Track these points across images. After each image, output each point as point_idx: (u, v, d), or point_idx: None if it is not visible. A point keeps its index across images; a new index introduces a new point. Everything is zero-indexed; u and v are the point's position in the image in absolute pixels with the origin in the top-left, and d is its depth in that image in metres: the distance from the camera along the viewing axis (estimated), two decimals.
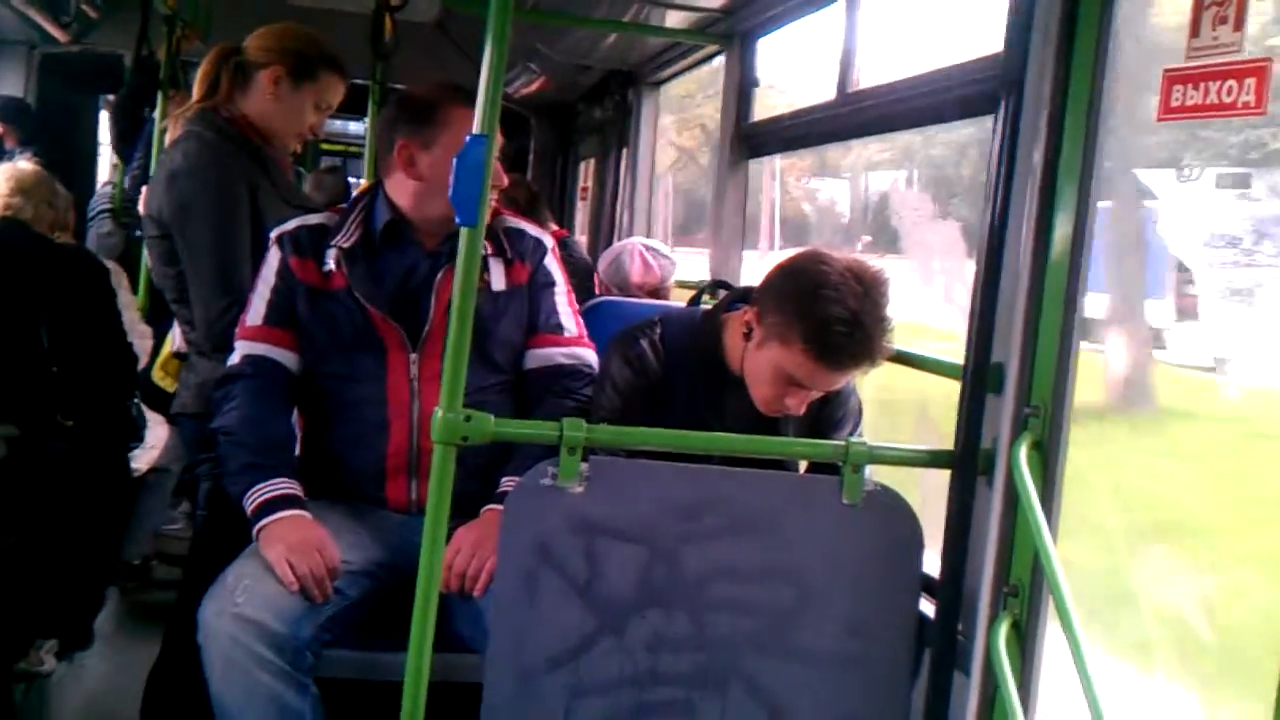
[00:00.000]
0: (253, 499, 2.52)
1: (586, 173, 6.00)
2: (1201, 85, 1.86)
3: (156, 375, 3.70)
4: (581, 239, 5.76)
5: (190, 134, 2.98)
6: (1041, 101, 2.10)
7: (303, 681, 2.37)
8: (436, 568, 2.06)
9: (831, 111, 3.29)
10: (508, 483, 2.55)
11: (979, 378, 2.16)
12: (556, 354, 2.73)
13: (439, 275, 2.62)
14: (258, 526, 2.49)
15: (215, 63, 3.07)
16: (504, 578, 2.21)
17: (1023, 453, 2.08)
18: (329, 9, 4.47)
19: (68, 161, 5.55)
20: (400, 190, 2.67)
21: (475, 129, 1.98)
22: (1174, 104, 1.91)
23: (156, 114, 4.55)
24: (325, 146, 10.47)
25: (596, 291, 4.10)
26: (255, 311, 2.67)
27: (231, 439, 2.60)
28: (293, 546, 2.43)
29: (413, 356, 2.60)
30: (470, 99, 2.66)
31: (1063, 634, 1.90)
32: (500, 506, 2.40)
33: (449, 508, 2.06)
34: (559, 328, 2.74)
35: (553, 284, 2.76)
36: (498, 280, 2.67)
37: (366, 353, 2.61)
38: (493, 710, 2.19)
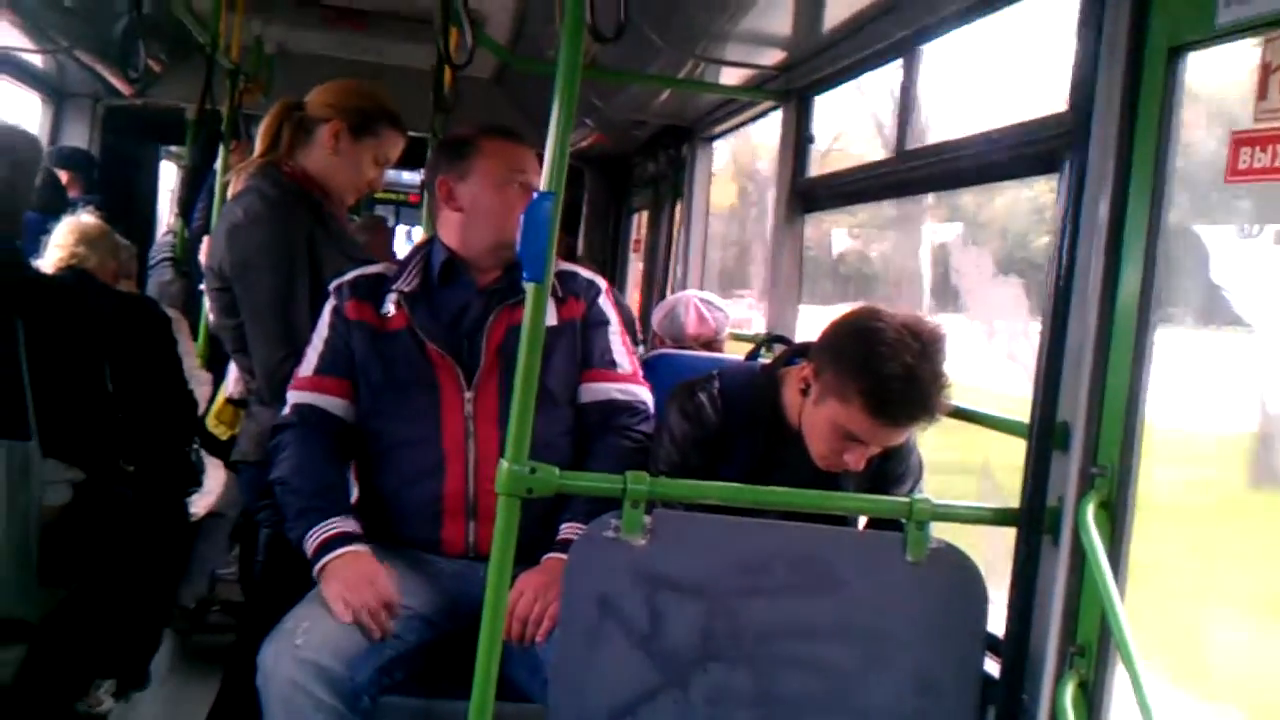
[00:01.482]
0: (312, 540, 2.54)
1: (639, 225, 6.04)
2: (1270, 148, 1.87)
3: (210, 423, 3.74)
4: (635, 292, 5.78)
5: (251, 189, 3.03)
6: (1107, 158, 2.10)
7: None
8: (500, 616, 2.07)
9: (890, 168, 3.30)
10: (568, 529, 2.56)
11: (1045, 435, 2.15)
12: (611, 389, 2.73)
13: (491, 317, 2.65)
14: (318, 566, 2.51)
15: (278, 117, 3.13)
16: (566, 628, 2.22)
17: (1090, 511, 2.07)
18: (389, 64, 4.55)
19: (129, 210, 5.68)
20: (447, 228, 2.73)
21: (543, 186, 2.01)
22: (1241, 166, 1.92)
23: (218, 165, 4.64)
24: (380, 196, 10.59)
25: (655, 344, 4.11)
26: (308, 363, 2.72)
27: (287, 487, 2.64)
28: (348, 582, 2.46)
29: (467, 395, 2.62)
30: (503, 133, 2.75)
31: (1132, 695, 1.88)
32: (562, 555, 2.42)
33: (513, 556, 2.07)
34: (613, 364, 2.75)
35: (607, 322, 2.77)
36: (550, 317, 2.68)
37: (421, 393, 2.64)
38: None
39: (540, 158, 2.25)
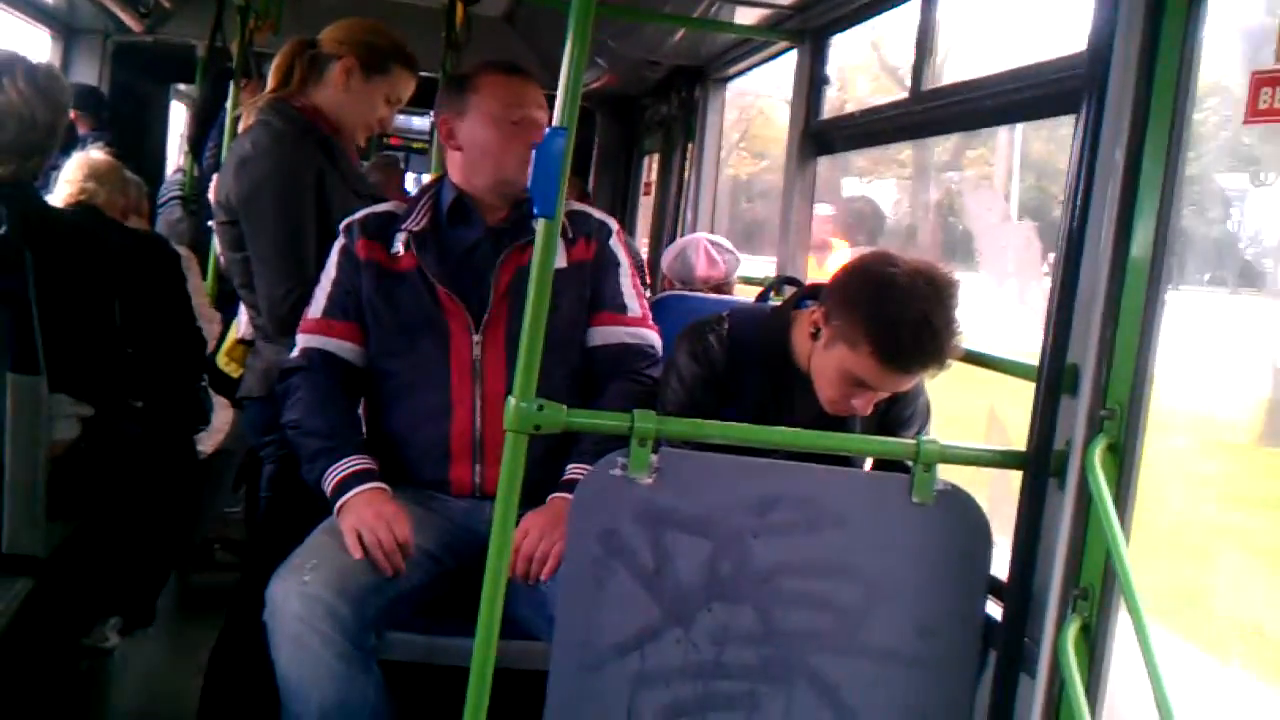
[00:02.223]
0: (329, 481, 2.56)
1: (650, 168, 6.01)
2: None
3: (221, 361, 3.75)
4: (644, 233, 5.76)
5: (261, 122, 3.02)
6: (1125, 100, 2.07)
7: (367, 662, 2.40)
8: (505, 554, 2.07)
9: (905, 109, 3.27)
10: (574, 469, 2.57)
11: (1054, 378, 2.14)
12: (621, 333, 2.73)
13: (500, 257, 2.64)
14: (337, 505, 2.53)
15: (290, 54, 3.11)
16: (572, 566, 2.22)
17: (1097, 455, 2.06)
18: (401, 1, 4.51)
19: (139, 149, 5.65)
20: (452, 167, 2.73)
21: (555, 121, 1.99)
22: (1261, 106, 1.89)
23: (229, 104, 4.62)
24: (390, 142, 10.55)
25: (664, 286, 4.11)
26: (316, 304, 2.72)
27: (299, 430, 2.65)
28: (363, 519, 2.47)
29: (475, 338, 2.62)
30: (501, 68, 2.73)
31: (1135, 637, 1.88)
32: (568, 495, 2.43)
33: (519, 494, 2.07)
34: (623, 307, 2.74)
35: (617, 264, 2.76)
36: (559, 258, 2.67)
37: (429, 335, 2.64)
38: (558, 695, 2.20)
39: (550, 97, 2.25)
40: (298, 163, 2.95)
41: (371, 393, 2.75)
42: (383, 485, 2.55)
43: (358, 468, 2.56)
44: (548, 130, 1.99)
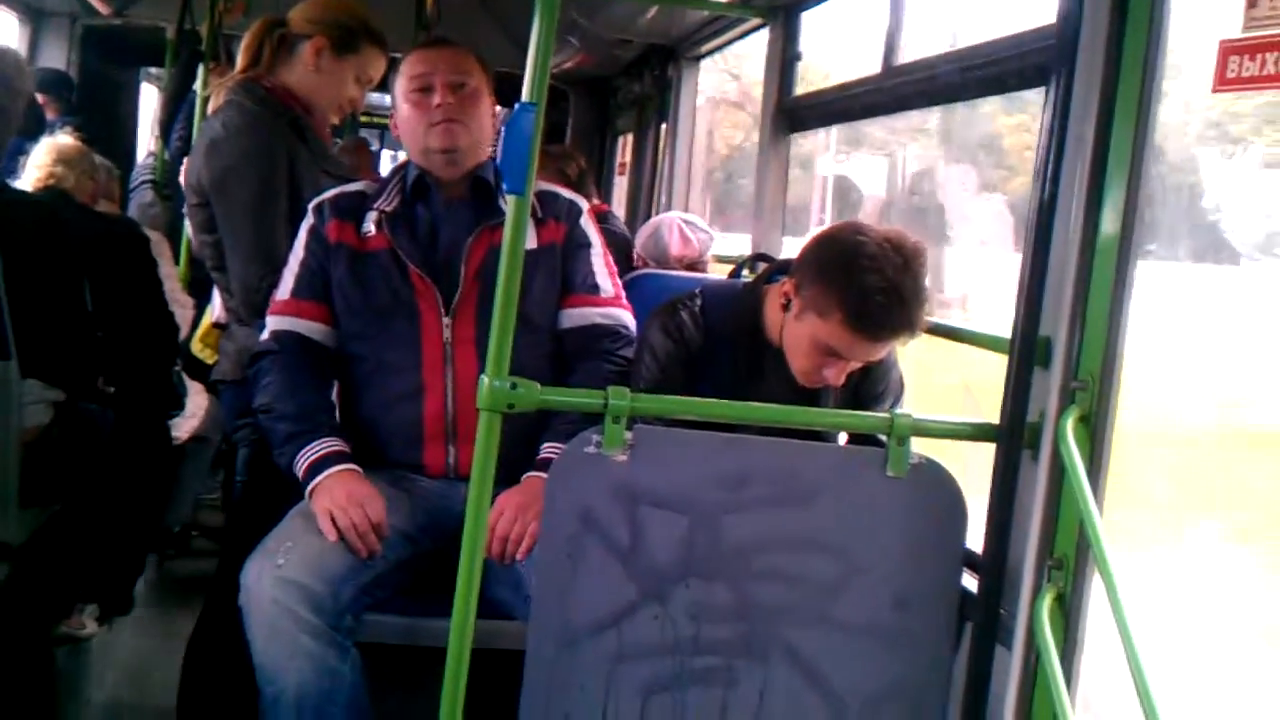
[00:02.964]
0: (301, 463, 2.55)
1: (624, 148, 6.00)
2: (1259, 56, 1.84)
3: (195, 347, 3.73)
4: (620, 213, 5.75)
5: (231, 103, 2.99)
6: (1094, 73, 2.08)
7: (343, 644, 2.39)
8: (481, 534, 2.07)
9: (876, 85, 3.26)
10: (548, 449, 2.56)
11: (1026, 351, 2.14)
12: (593, 314, 2.72)
13: (470, 239, 2.63)
14: (309, 488, 2.52)
15: (259, 34, 3.09)
16: (547, 544, 2.22)
17: (1069, 426, 2.07)
18: None
19: (109, 134, 5.60)
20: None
21: (525, 97, 1.98)
22: (1229, 75, 1.89)
23: (198, 85, 4.59)
24: (364, 119, 10.49)
25: (635, 265, 4.09)
26: (285, 285, 2.71)
27: (271, 414, 2.63)
28: (336, 501, 2.47)
29: (446, 320, 2.61)
30: (417, 47, 2.77)
31: (1109, 607, 1.89)
32: (542, 474, 2.43)
33: (494, 474, 2.07)
34: (595, 288, 2.73)
35: (588, 245, 2.75)
36: (529, 239, 2.66)
37: (400, 317, 2.63)
38: (535, 674, 2.20)
39: (520, 76, 2.25)
40: (270, 144, 2.93)
41: (343, 376, 2.73)
42: (355, 467, 2.54)
43: (329, 450, 2.55)
44: (516, 106, 1.98)
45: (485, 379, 2.03)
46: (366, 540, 2.44)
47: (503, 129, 2.01)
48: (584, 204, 2.80)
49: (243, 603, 2.39)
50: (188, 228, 3.80)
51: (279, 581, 2.36)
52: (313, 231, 2.69)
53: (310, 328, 2.67)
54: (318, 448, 2.55)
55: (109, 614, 3.33)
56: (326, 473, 2.52)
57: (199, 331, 3.74)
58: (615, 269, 2.81)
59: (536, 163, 2.02)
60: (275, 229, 2.87)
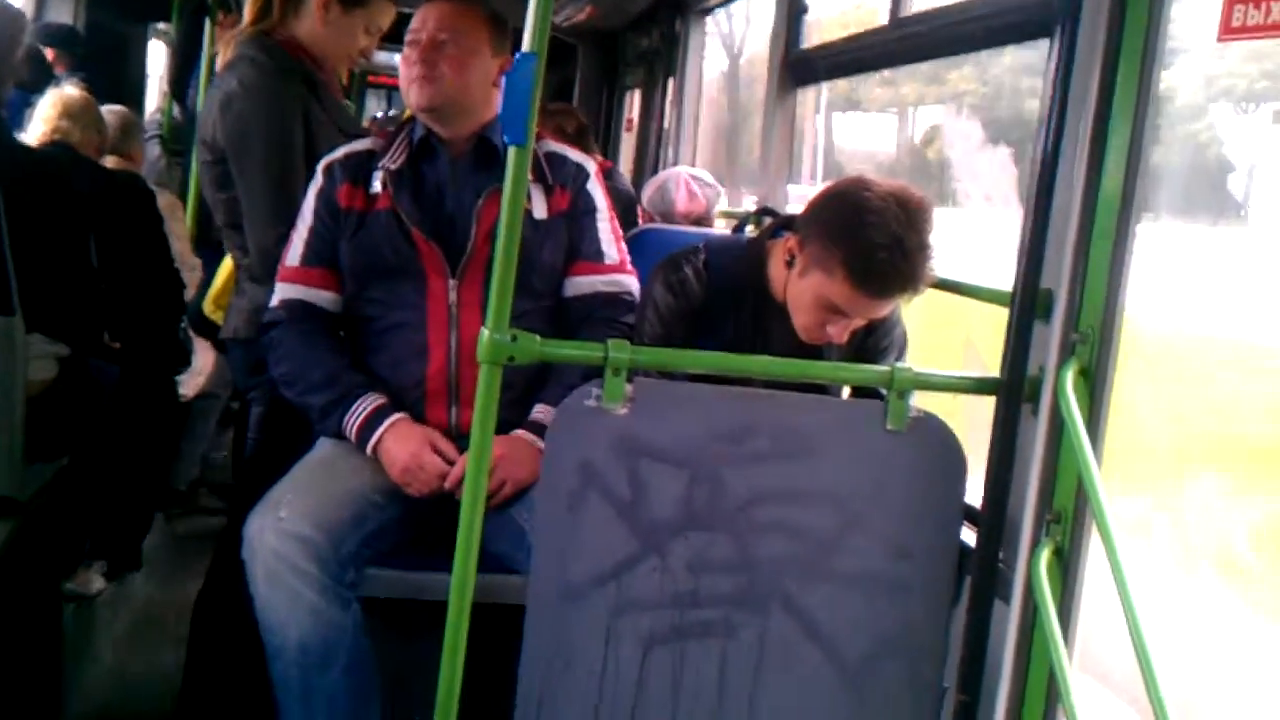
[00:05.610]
0: (350, 428, 2.56)
1: (631, 103, 5.96)
2: (1264, 4, 1.81)
3: (208, 308, 3.73)
4: (626, 169, 5.73)
5: (244, 58, 2.96)
6: (1098, 25, 2.05)
7: (345, 596, 2.41)
8: (481, 487, 2.07)
9: (883, 37, 3.23)
10: (540, 410, 2.58)
11: (1027, 303, 2.13)
12: (598, 282, 2.72)
13: (480, 201, 2.61)
14: (369, 448, 2.55)
15: None
16: (548, 497, 2.23)
17: (1069, 379, 2.06)
18: None
19: (116, 89, 5.58)
20: None
21: (525, 46, 1.97)
22: (1234, 24, 1.87)
23: (205, 40, 4.57)
24: (373, 80, 10.44)
25: (640, 222, 4.08)
26: (294, 251, 2.69)
27: (298, 387, 2.64)
28: (405, 469, 2.51)
29: (451, 283, 2.60)
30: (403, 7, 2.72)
31: (1106, 560, 1.89)
32: (527, 435, 2.52)
33: (494, 429, 2.07)
34: (600, 255, 2.72)
35: (594, 210, 2.73)
36: (539, 209, 2.65)
37: (406, 280, 2.61)
38: (536, 627, 2.21)
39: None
40: (286, 100, 2.91)
41: (351, 336, 2.73)
42: (402, 415, 2.57)
43: (372, 406, 2.57)
44: (516, 55, 1.97)
45: (485, 331, 2.03)
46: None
47: (503, 80, 2.00)
48: (592, 165, 2.78)
49: (245, 556, 2.41)
50: (193, 185, 3.79)
51: (280, 534, 2.37)
52: (322, 195, 2.68)
53: (319, 296, 2.67)
54: (358, 409, 2.56)
55: (117, 571, 3.36)
56: (379, 431, 2.54)
57: (213, 293, 3.73)
58: (620, 233, 2.79)
59: (536, 116, 2.01)
60: (293, 190, 2.84)
